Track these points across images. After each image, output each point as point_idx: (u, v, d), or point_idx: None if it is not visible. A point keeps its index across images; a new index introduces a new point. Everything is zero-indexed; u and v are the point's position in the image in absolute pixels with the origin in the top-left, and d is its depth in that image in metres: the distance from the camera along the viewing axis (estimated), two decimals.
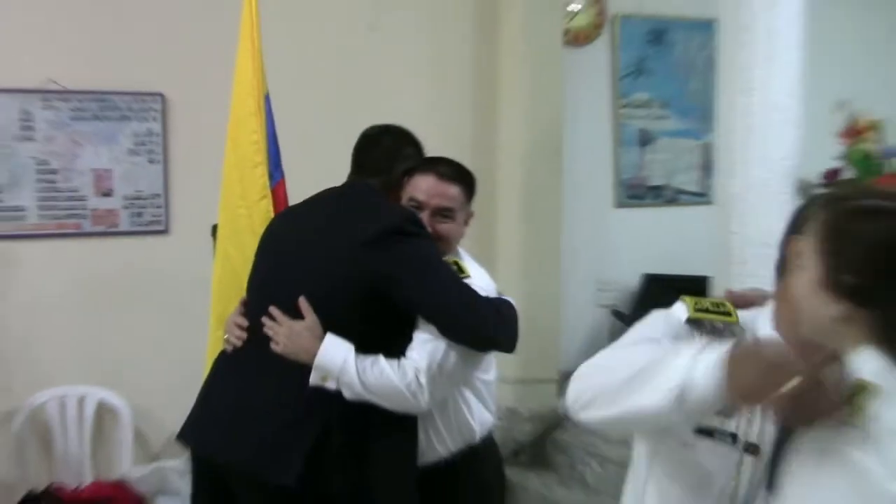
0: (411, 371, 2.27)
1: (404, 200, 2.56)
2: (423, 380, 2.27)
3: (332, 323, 2.29)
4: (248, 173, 3.08)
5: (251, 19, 3.18)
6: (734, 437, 1.48)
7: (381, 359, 2.25)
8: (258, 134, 3.11)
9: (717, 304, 1.60)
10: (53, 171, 4.00)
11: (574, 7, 5.04)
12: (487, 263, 4.68)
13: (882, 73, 5.25)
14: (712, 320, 1.58)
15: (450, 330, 2.33)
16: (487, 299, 2.42)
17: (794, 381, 1.22)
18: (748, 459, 1.47)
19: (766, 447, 1.47)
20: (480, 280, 2.56)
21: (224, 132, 3.37)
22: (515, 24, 4.69)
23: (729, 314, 1.58)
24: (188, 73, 4.10)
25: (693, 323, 1.57)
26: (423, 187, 2.56)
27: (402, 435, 2.44)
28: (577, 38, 5.07)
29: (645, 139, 5.27)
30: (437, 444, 2.55)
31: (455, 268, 2.53)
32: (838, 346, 1.32)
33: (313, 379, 2.23)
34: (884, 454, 1.20)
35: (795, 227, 1.46)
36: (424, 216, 2.51)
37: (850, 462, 1.22)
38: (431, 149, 5.00)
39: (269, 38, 3.44)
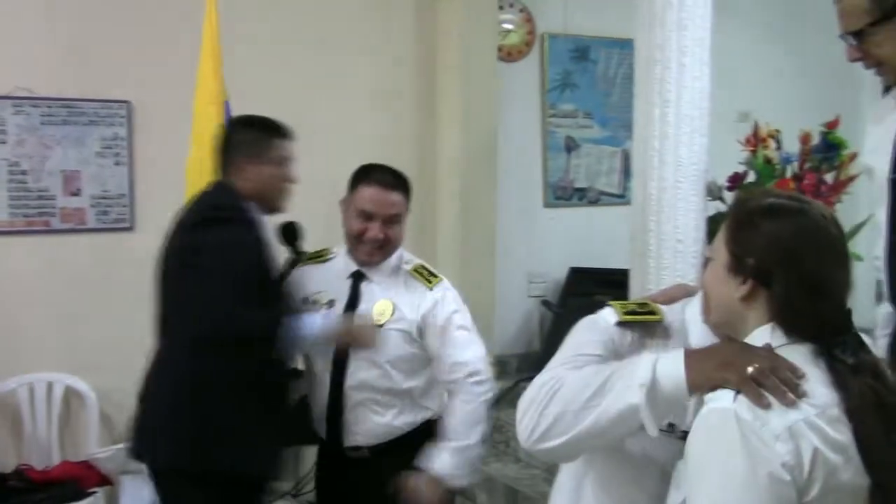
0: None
1: (352, 212, 2.57)
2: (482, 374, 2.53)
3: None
4: (210, 176, 3.06)
5: (212, 32, 3.17)
6: (672, 425, 1.50)
7: None
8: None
9: (642, 305, 1.62)
10: (24, 172, 3.92)
11: (507, 26, 5.08)
12: (429, 259, 4.71)
13: (779, 88, 5.38)
14: (640, 321, 1.58)
15: (183, 314, 2.34)
16: (244, 306, 2.31)
17: (750, 368, 1.28)
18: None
19: None
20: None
21: (185, 136, 3.35)
22: (453, 41, 4.71)
23: (654, 313, 1.60)
24: (153, 82, 4.04)
25: (623, 325, 1.58)
26: (369, 198, 2.55)
27: (276, 416, 2.48)
28: (510, 54, 5.11)
29: (570, 146, 5.32)
30: (428, 403, 2.61)
31: (425, 272, 2.61)
32: (743, 325, 1.41)
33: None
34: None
35: (712, 231, 1.54)
36: (375, 226, 2.51)
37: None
38: (378, 155, 5.01)
39: (229, 51, 3.43)
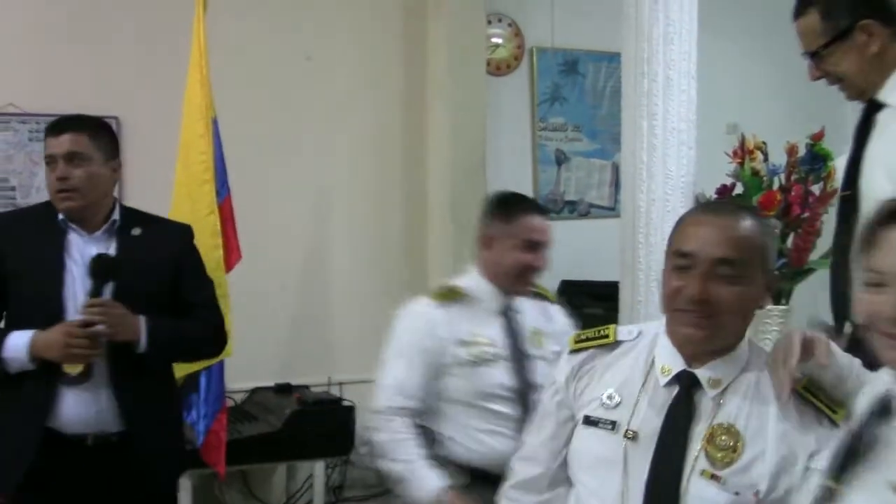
0: None
1: (512, 244, 2.47)
2: None
3: None
4: (197, 190, 3.07)
5: (200, 50, 3.17)
6: (614, 424, 1.58)
7: None
8: (206, 154, 3.11)
9: (599, 331, 1.73)
10: (13, 189, 3.91)
11: (495, 40, 5.09)
12: (419, 273, 4.74)
13: (765, 100, 5.39)
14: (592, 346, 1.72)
15: None
16: None
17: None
18: (631, 444, 1.55)
19: (648, 434, 1.55)
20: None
21: (174, 152, 3.35)
22: (442, 55, 4.72)
23: (607, 336, 1.71)
24: (141, 98, 4.04)
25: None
26: (536, 227, 2.49)
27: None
28: (499, 68, 5.12)
29: (560, 159, 5.33)
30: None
31: (544, 298, 2.62)
32: None
33: None
34: None
35: None
36: (540, 255, 2.47)
37: None
38: (367, 170, 5.03)
39: (218, 67, 3.43)
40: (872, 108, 1.96)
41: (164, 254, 2.48)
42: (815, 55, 1.94)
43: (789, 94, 5.43)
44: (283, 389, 4.13)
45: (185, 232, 2.63)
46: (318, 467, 4.02)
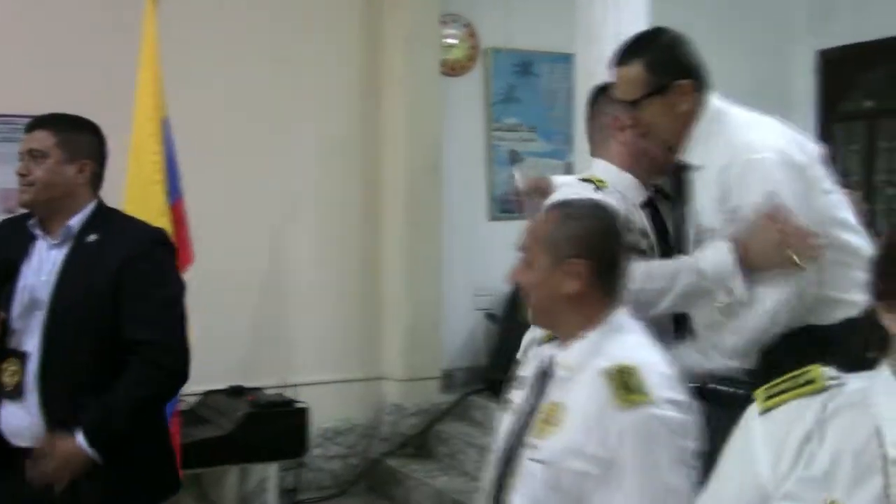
0: None
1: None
2: None
3: None
4: (149, 190, 3.04)
5: (150, 48, 3.14)
6: (508, 401, 1.79)
7: None
8: (157, 155, 3.08)
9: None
10: None
11: (450, 41, 5.11)
12: (374, 273, 4.74)
13: None
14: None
15: None
16: None
17: None
18: (509, 417, 1.76)
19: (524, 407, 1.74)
20: None
21: (124, 153, 3.30)
22: (397, 55, 4.73)
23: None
24: (92, 98, 3.96)
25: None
26: None
27: None
28: (454, 69, 5.13)
29: (515, 159, 5.36)
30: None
31: None
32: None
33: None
34: None
35: None
36: None
37: None
38: (322, 170, 5.03)
39: (172, 67, 3.40)
40: (680, 168, 2.11)
41: (110, 265, 2.27)
42: (634, 103, 2.07)
43: (741, 95, 5.52)
44: (236, 392, 4.10)
45: (141, 237, 2.39)
46: (272, 470, 4.01)
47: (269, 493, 4.01)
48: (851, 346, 1.85)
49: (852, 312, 1.93)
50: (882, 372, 1.13)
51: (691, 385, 1.92)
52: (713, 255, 1.97)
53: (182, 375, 2.38)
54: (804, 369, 1.20)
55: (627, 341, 1.67)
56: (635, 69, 2.08)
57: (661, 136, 2.10)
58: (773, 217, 1.91)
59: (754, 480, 1.14)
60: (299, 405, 4.02)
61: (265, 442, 3.85)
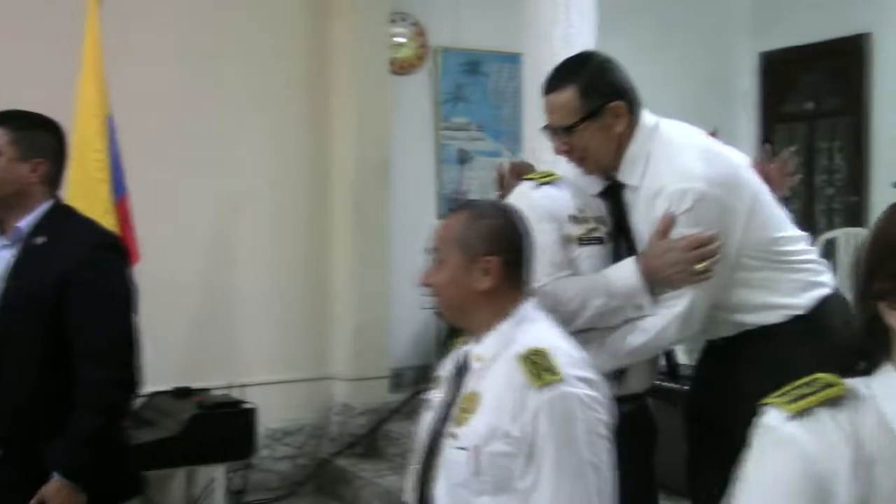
0: None
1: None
2: None
3: None
4: (93, 189, 2.99)
5: (94, 45, 3.09)
6: (427, 401, 1.86)
7: None
8: (101, 153, 3.03)
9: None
10: None
11: (399, 39, 5.11)
12: (323, 273, 4.71)
13: (661, 102, 5.53)
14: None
15: None
16: None
17: None
18: (429, 414, 1.84)
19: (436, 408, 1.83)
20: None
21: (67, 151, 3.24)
22: (345, 54, 4.72)
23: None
24: (34, 96, 3.87)
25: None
26: None
27: None
28: (403, 68, 5.14)
29: (463, 158, 5.38)
30: None
31: None
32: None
33: None
34: None
35: None
36: None
37: None
38: (270, 170, 4.99)
39: (114, 62, 3.35)
40: (617, 186, 2.15)
41: (55, 270, 2.20)
42: (567, 130, 2.09)
43: (685, 95, 5.63)
44: (182, 393, 4.05)
45: (88, 242, 2.29)
46: (219, 471, 3.96)
47: (217, 495, 3.97)
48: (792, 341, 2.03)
49: (798, 311, 2.07)
50: (887, 374, 1.13)
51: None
52: (622, 274, 2.04)
53: (133, 384, 2.35)
54: (813, 376, 1.16)
55: (537, 329, 1.76)
56: (567, 95, 2.10)
57: (596, 160, 2.12)
58: (666, 236, 2.00)
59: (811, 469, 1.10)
60: (247, 406, 3.98)
61: (212, 443, 3.80)
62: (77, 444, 2.19)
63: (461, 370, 1.81)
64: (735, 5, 6.30)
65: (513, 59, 5.25)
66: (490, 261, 1.76)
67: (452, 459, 1.70)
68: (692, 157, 2.06)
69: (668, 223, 2.00)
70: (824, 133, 6.00)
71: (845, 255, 4.93)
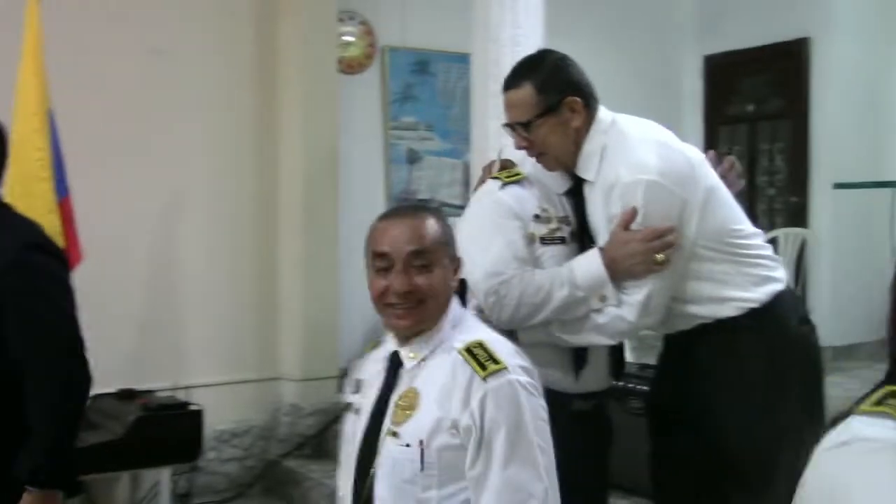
0: None
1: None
2: None
3: None
4: (35, 188, 2.93)
5: (34, 41, 3.03)
6: (349, 405, 1.87)
7: None
8: (43, 151, 2.97)
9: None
10: None
11: (347, 38, 5.10)
12: (271, 273, 4.68)
13: (610, 101, 5.61)
14: None
15: None
16: None
17: None
18: (356, 418, 1.84)
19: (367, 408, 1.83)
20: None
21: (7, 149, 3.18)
22: (293, 53, 4.69)
23: None
24: None
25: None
26: None
27: None
28: (351, 67, 5.13)
29: (412, 158, 5.39)
30: None
31: None
32: None
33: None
34: None
35: None
36: None
37: None
38: (217, 169, 4.94)
39: (55, 57, 3.29)
40: (577, 182, 2.20)
41: None
42: (526, 126, 2.15)
43: (634, 94, 5.70)
44: (126, 395, 4.00)
45: (14, 244, 2.15)
46: (164, 474, 3.92)
47: (162, 499, 3.92)
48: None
49: (753, 305, 2.13)
50: None
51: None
52: (586, 265, 2.09)
53: (84, 383, 2.32)
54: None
55: (469, 325, 1.81)
56: (525, 91, 2.15)
57: (555, 155, 2.17)
58: (627, 228, 2.06)
59: None
60: (193, 407, 3.94)
61: (157, 446, 3.76)
62: (43, 455, 2.14)
63: (392, 370, 1.82)
64: (680, 10, 6.41)
65: (461, 59, 5.28)
66: (458, 260, 1.82)
67: (396, 457, 1.71)
68: (647, 150, 2.10)
69: (630, 216, 2.05)
70: (765, 135, 6.13)
71: (785, 254, 5.04)
